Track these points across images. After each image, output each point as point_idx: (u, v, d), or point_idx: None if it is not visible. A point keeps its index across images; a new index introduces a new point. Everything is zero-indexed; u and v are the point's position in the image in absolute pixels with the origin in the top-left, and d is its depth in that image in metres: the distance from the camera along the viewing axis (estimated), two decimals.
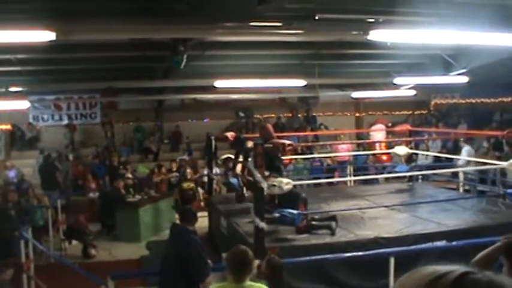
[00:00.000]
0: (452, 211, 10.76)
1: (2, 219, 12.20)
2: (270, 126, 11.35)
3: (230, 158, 13.24)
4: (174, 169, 18.82)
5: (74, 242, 13.78)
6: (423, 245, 8.69)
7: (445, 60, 16.09)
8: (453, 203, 11.51)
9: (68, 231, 13.87)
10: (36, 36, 8.42)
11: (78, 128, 22.20)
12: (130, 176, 17.09)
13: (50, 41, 8.68)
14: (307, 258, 7.89)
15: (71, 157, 20.16)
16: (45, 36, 8.34)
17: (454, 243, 8.54)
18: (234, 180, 13.15)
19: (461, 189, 14.47)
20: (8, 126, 21.61)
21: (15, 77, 16.22)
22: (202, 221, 13.25)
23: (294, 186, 9.77)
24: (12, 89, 16.60)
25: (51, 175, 17.62)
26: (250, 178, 10.11)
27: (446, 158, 17.11)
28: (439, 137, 19.83)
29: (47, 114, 22.44)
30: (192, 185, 15.42)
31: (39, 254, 11.43)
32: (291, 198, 9.42)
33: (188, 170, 15.82)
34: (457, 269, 1.16)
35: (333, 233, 9.04)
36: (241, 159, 12.27)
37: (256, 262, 5.20)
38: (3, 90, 16.39)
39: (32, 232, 11.19)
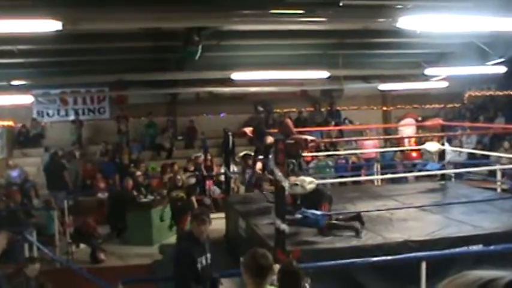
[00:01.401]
0: (489, 212, 10.62)
1: (10, 221, 12.34)
2: (289, 121, 11.30)
3: (249, 154, 13.19)
4: (192, 168, 18.82)
5: (82, 245, 13.87)
6: (457, 249, 8.62)
7: (481, 49, 15.97)
8: (490, 203, 11.35)
9: (75, 234, 13.96)
10: (41, 25, 8.44)
11: (85, 123, 22.30)
12: (139, 173, 17.10)
13: (56, 31, 8.70)
14: (332, 262, 7.86)
15: (77, 155, 20.22)
16: (51, 25, 8.36)
17: (491, 247, 8.46)
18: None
19: (499, 189, 14.33)
20: (10, 123, 21.71)
21: (18, 70, 16.32)
22: (219, 223, 13.32)
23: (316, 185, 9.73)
24: (15, 82, 16.65)
25: (58, 174, 17.65)
26: (271, 176, 10.08)
27: (482, 155, 16.96)
28: (474, 132, 19.65)
29: (52, 109, 22.59)
30: (181, 194, 13.67)
31: (44, 258, 11.49)
32: (315, 197, 9.39)
33: (178, 177, 14.33)
34: (504, 275, 1.14)
35: (357, 235, 9.00)
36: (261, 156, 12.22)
37: (277, 266, 5.18)
38: (5, 83, 16.43)
39: (37, 236, 11.30)
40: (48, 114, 22.60)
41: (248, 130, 13.05)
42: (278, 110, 23.63)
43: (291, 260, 6.07)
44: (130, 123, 22.54)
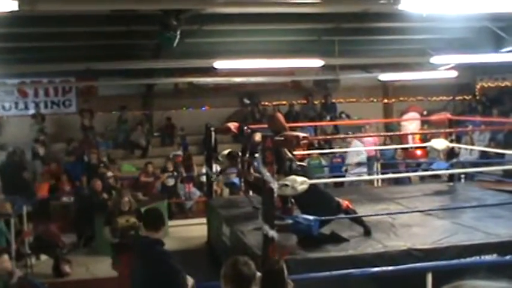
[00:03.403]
0: (504, 218, 10.61)
1: None
2: (280, 116, 11.32)
3: (233, 152, 13.15)
4: (171, 169, 18.81)
5: (43, 256, 13.76)
6: (467, 259, 8.63)
7: (495, 34, 15.97)
8: (505, 208, 11.33)
9: (35, 243, 13.82)
10: None
11: (47, 118, 22.10)
12: (110, 175, 17.02)
13: (11, 12, 8.59)
14: (326, 273, 7.84)
15: (41, 152, 20.06)
16: (4, 5, 8.24)
17: (507, 257, 8.46)
18: (236, 180, 13.10)
19: None
20: None
21: None
22: (200, 229, 13.29)
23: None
24: None
25: (17, 176, 17.50)
26: (257, 175, 10.06)
27: (496, 153, 17.00)
28: (487, 128, 19.68)
29: (8, 101, 22.43)
30: (132, 219, 11.27)
31: None
32: (321, 202, 9.40)
33: (126, 199, 11.57)
34: (502, 287, 1.12)
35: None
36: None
37: (259, 275, 5.16)
38: None
39: None
40: (4, 107, 22.43)
41: (232, 126, 13.03)
42: (266, 103, 23.64)
43: (278, 259, 6.05)
44: (100, 117, 22.43)
